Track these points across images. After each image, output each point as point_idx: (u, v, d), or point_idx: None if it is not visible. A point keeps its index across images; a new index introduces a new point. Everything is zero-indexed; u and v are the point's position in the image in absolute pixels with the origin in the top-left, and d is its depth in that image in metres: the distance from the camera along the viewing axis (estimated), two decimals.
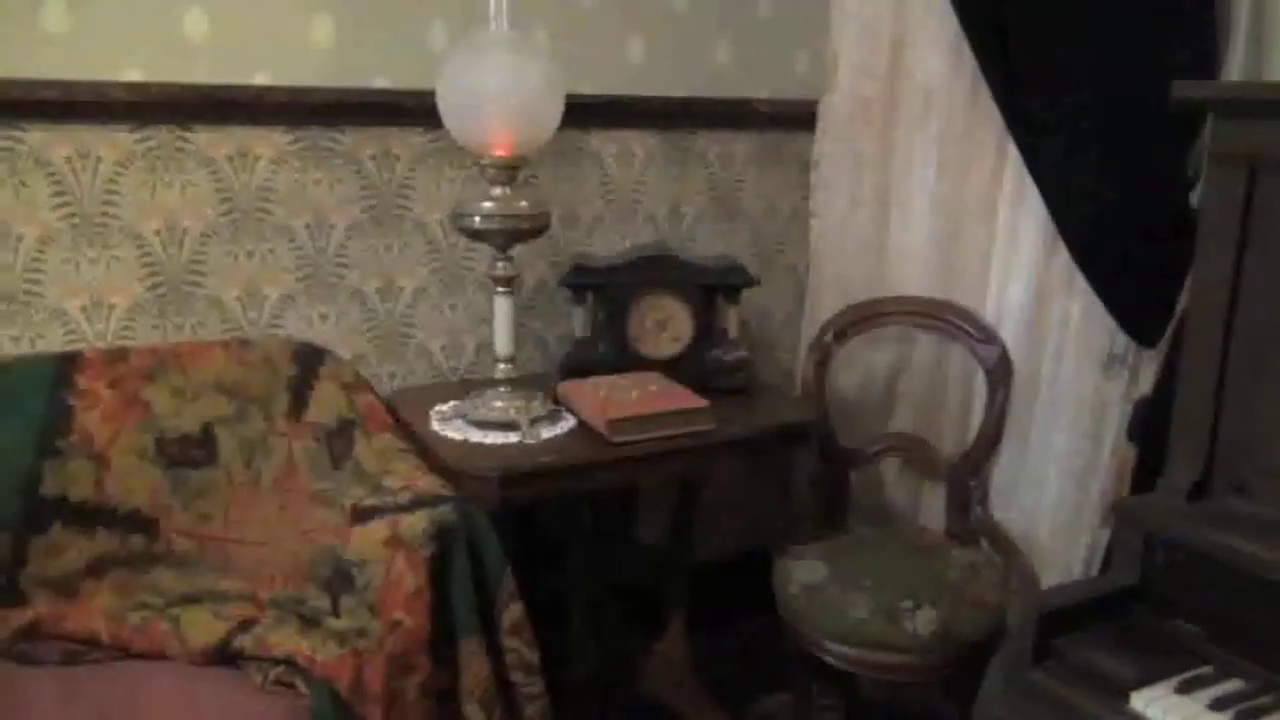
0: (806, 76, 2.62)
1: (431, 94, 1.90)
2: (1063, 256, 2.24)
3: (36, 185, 1.92)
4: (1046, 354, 2.32)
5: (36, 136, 1.90)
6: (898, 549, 2.21)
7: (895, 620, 1.95)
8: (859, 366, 2.57)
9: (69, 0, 1.87)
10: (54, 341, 1.98)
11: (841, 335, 2.41)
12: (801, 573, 2.09)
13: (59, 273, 1.97)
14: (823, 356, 2.39)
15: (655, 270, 2.26)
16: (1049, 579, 2.27)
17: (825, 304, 2.57)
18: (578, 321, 2.26)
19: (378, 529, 1.71)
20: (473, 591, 1.71)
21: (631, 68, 2.42)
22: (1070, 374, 2.29)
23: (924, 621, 1.95)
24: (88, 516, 1.84)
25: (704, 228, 2.61)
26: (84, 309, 2.00)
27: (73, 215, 1.96)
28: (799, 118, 2.60)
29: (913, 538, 2.33)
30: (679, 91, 2.48)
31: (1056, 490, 2.32)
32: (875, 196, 2.54)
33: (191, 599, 1.83)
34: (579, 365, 2.23)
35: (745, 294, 2.30)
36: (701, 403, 2.01)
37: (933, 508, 2.50)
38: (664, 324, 2.25)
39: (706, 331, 2.27)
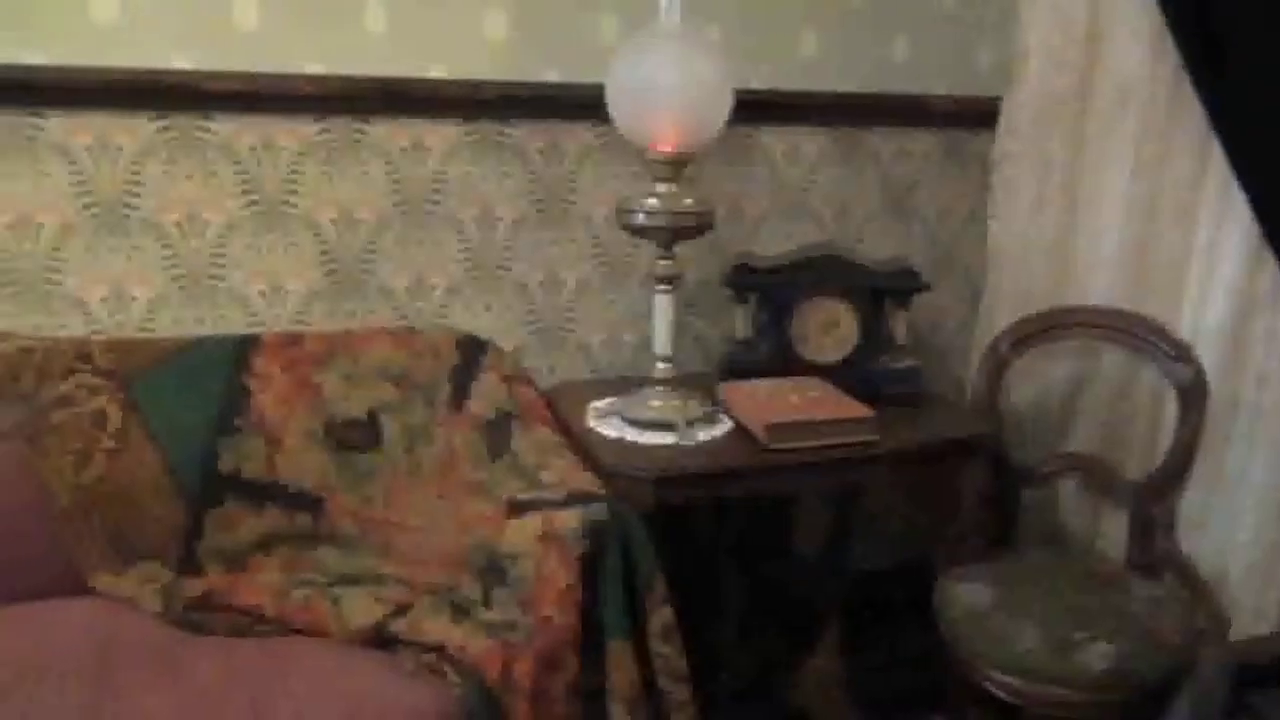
0: (990, 72, 2.50)
1: (600, 88, 1.89)
2: (1270, 270, 2.06)
3: (223, 174, 2.00)
4: (1247, 376, 2.14)
5: (225, 128, 1.98)
6: (1072, 576, 2.07)
7: (1066, 653, 1.83)
8: (1036, 379, 2.43)
9: (261, 1, 1.95)
10: (235, 324, 2.07)
11: (1019, 345, 2.28)
12: (966, 595, 1.99)
13: (241, 258, 2.05)
14: (997, 367, 2.27)
15: (822, 271, 2.19)
16: (1240, 622, 2.10)
17: (1002, 311, 2.44)
18: (739, 322, 2.22)
19: (532, 523, 1.71)
20: (623, 593, 1.69)
21: (804, 62, 2.35)
22: (1274, 399, 2.10)
23: (1098, 657, 1.82)
24: (259, 493, 1.91)
25: (874, 228, 2.52)
26: (263, 293, 2.08)
27: (255, 203, 2.03)
28: (980, 115, 2.47)
29: (1089, 565, 2.19)
30: (852, 87, 2.40)
31: (1253, 525, 2.13)
32: (1062, 199, 2.39)
33: (352, 579, 1.87)
34: (739, 367, 2.18)
35: (916, 299, 2.21)
36: (865, 412, 1.94)
37: (1112, 535, 2.35)
38: (829, 328, 2.18)
39: (874, 337, 2.18)
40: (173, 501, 1.85)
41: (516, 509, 1.76)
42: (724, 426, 1.99)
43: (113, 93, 1.90)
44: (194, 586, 1.80)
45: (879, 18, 2.39)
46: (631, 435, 1.94)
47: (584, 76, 2.11)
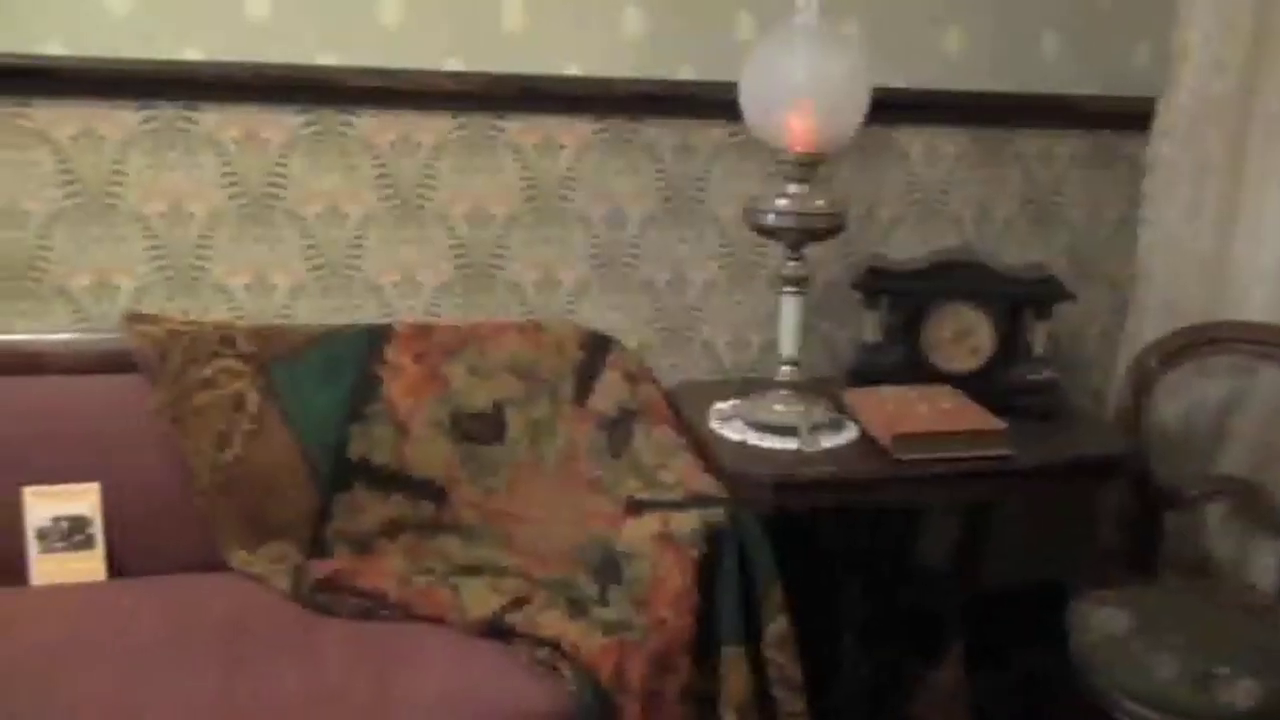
0: (1146, 71, 2.37)
1: (734, 86, 1.87)
2: None
3: (363, 168, 2.05)
4: None
5: (365, 123, 2.03)
6: (1217, 607, 1.96)
7: (1208, 688, 1.73)
8: (1185, 397, 2.30)
9: None
10: (369, 314, 2.12)
11: (1168, 360, 2.16)
12: (1102, 620, 1.89)
13: (378, 250, 2.10)
14: (1144, 382, 2.16)
15: (957, 277, 2.12)
16: None
17: (1150, 324, 2.32)
18: (869, 327, 2.17)
19: (649, 523, 1.71)
20: (740, 598, 1.67)
21: (947, 60, 2.28)
22: None
23: (1243, 694, 1.71)
24: (386, 480, 1.95)
25: (1015, 234, 2.42)
26: (396, 285, 2.13)
27: (392, 197, 2.08)
28: (1132, 116, 2.35)
29: (1236, 596, 2.07)
30: (997, 86, 2.31)
31: None
32: (1220, 207, 2.26)
33: (472, 569, 1.89)
34: (867, 373, 2.13)
35: (1057, 308, 2.12)
36: (999, 425, 1.87)
37: (1264, 564, 2.20)
38: (963, 335, 2.11)
39: (1010, 347, 2.10)
40: (305, 484, 1.91)
41: (635, 508, 1.76)
42: (849, 434, 1.95)
43: (262, 88, 1.97)
44: (322, 568, 1.85)
45: (1028, 13, 2.30)
46: (754, 439, 1.92)
47: (719, 74, 2.09)
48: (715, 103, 2.05)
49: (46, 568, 1.82)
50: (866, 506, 1.91)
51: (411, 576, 1.85)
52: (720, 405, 2.07)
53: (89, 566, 1.83)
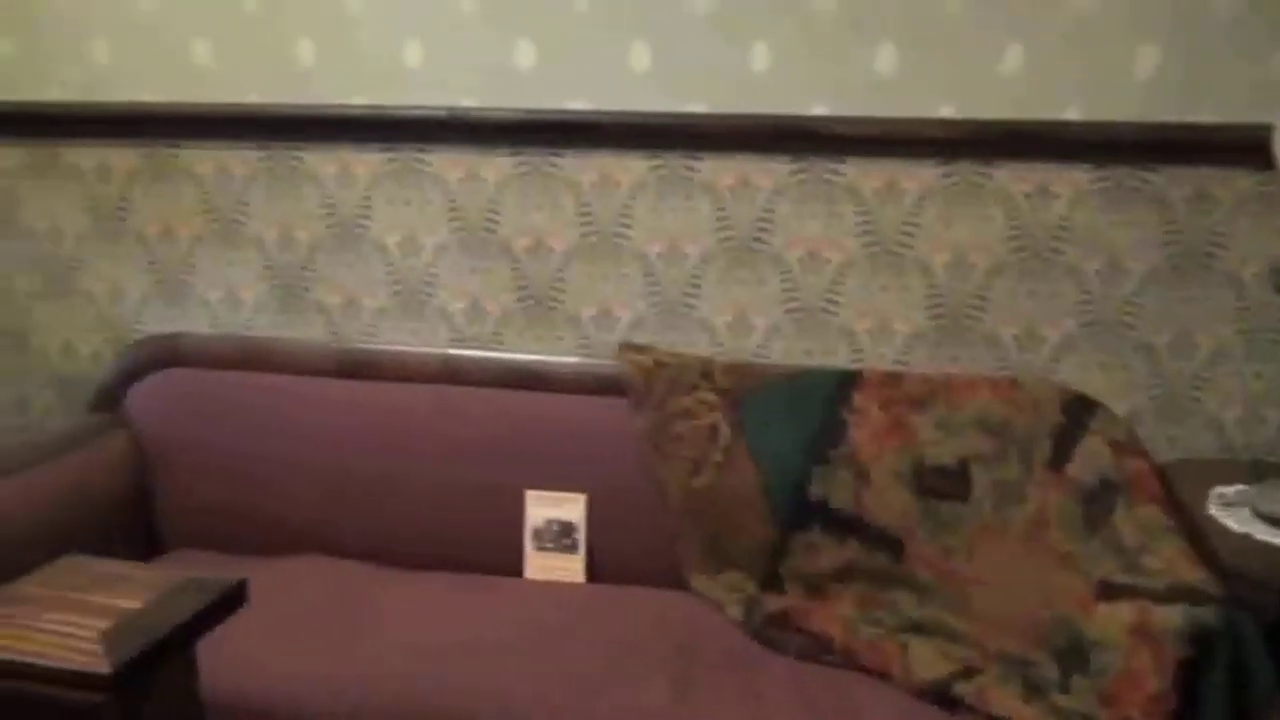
0: None
1: (1266, 129, 1.67)
2: None
3: (846, 214, 2.08)
4: None
5: (852, 170, 2.06)
6: None
7: None
8: None
9: (899, 45, 2.00)
10: (840, 358, 2.14)
11: None
12: None
13: (854, 296, 2.12)
14: None
15: None
16: None
17: None
18: None
19: (1124, 612, 1.55)
20: (1229, 714, 1.46)
21: None
22: None
23: None
24: (844, 525, 1.95)
25: None
26: (869, 331, 2.13)
27: (874, 244, 2.09)
28: None
29: None
30: None
31: None
32: None
33: (922, 629, 1.84)
34: None
35: None
36: None
37: None
38: None
39: None
40: (765, 519, 1.97)
41: (1109, 592, 1.60)
42: None
43: (757, 137, 2.07)
44: (774, 603, 1.90)
45: None
46: (1262, 532, 1.68)
47: (1245, 116, 1.86)
48: (1240, 148, 1.85)
49: (538, 563, 2.05)
50: None
51: (860, 625, 1.84)
52: (1223, 489, 1.83)
53: (571, 567, 2.04)
